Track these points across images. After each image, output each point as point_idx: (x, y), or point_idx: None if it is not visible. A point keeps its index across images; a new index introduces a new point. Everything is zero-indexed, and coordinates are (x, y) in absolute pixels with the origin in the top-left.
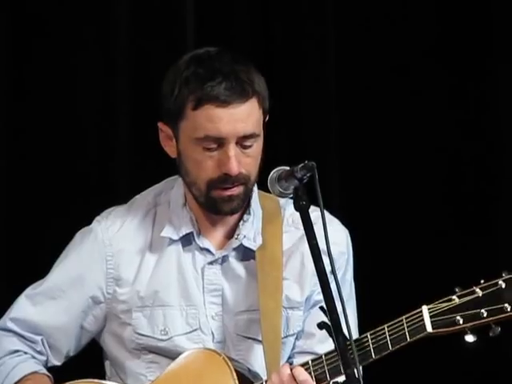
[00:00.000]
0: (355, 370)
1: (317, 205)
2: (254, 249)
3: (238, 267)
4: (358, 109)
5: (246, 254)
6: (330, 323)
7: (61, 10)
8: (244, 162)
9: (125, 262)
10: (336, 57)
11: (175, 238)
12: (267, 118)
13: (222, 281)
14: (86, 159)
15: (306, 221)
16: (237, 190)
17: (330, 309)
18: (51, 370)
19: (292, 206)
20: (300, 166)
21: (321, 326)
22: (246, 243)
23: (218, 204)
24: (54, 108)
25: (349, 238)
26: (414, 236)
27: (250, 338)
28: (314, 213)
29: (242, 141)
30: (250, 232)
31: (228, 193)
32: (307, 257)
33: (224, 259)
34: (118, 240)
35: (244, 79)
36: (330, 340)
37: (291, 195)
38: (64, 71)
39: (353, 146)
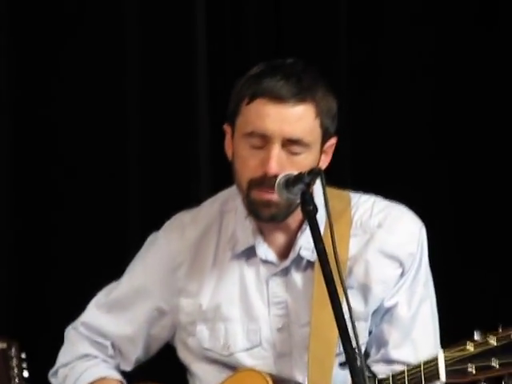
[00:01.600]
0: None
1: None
2: (312, 260)
3: (300, 278)
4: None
5: (307, 265)
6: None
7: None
8: (288, 168)
9: (189, 273)
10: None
11: (237, 251)
12: (331, 142)
13: (285, 293)
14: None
15: (312, 226)
16: (275, 197)
17: (337, 317)
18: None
19: (363, 206)
20: (307, 170)
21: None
22: (304, 254)
23: (256, 207)
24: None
25: (422, 233)
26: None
27: None
28: (380, 214)
29: (289, 145)
30: (309, 242)
31: (266, 196)
32: (372, 264)
33: (286, 271)
34: (183, 251)
35: (305, 84)
36: (406, 346)
37: (298, 200)
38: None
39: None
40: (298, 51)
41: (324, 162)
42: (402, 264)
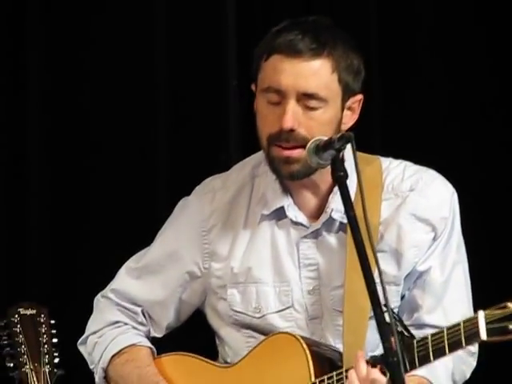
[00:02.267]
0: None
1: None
2: (345, 222)
3: (332, 241)
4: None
5: (339, 227)
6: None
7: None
8: (305, 123)
9: (220, 236)
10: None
11: (266, 212)
12: (356, 98)
13: (317, 255)
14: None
15: (343, 192)
16: (295, 153)
17: (367, 281)
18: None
19: (394, 171)
20: (338, 135)
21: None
22: (335, 216)
23: (277, 164)
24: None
25: (454, 197)
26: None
27: None
28: (412, 178)
29: (305, 99)
30: (341, 204)
31: (286, 153)
32: (404, 228)
33: (318, 233)
34: (214, 215)
35: (322, 40)
36: (438, 310)
37: (329, 165)
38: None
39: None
40: None
41: (350, 119)
42: (434, 228)
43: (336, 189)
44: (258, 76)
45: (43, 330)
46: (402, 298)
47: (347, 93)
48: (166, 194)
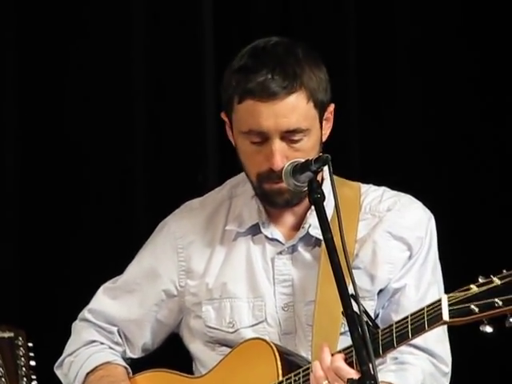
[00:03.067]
0: (371, 366)
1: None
2: (320, 237)
3: (308, 257)
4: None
5: (315, 243)
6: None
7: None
8: (292, 156)
9: (195, 254)
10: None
11: (241, 230)
12: (329, 109)
13: (292, 271)
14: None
15: (320, 214)
16: (285, 184)
17: (344, 304)
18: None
19: (373, 194)
20: (314, 158)
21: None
22: (312, 232)
23: (270, 197)
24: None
25: (431, 221)
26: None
27: None
28: (390, 200)
29: (288, 135)
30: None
31: (277, 185)
32: (379, 245)
33: (293, 248)
34: (190, 232)
35: (290, 72)
36: None
37: (305, 188)
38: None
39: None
40: None
41: (327, 129)
42: (410, 247)
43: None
44: (231, 113)
45: (21, 353)
46: (376, 316)
47: (322, 109)
48: (144, 218)
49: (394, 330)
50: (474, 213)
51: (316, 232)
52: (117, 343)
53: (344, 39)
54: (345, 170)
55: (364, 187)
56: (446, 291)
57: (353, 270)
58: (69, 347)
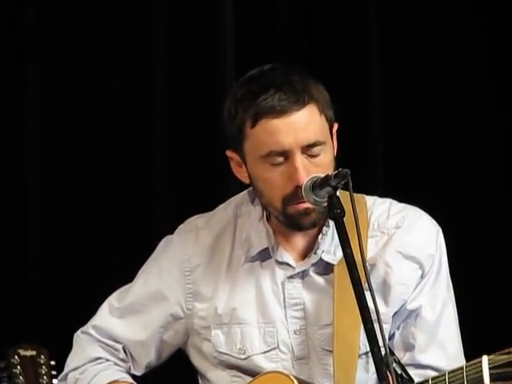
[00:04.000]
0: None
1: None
2: (335, 263)
3: (320, 280)
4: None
5: (326, 267)
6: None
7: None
8: (314, 171)
9: (203, 276)
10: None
11: (251, 254)
12: (335, 128)
13: (304, 294)
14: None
15: (340, 230)
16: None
17: (364, 319)
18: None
19: (379, 208)
20: (334, 173)
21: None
22: (326, 258)
23: (296, 220)
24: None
25: (440, 235)
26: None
27: None
28: (398, 215)
29: (307, 150)
30: (331, 245)
31: (304, 206)
32: (391, 266)
33: (305, 273)
34: (197, 255)
35: (298, 87)
36: (431, 349)
37: (325, 203)
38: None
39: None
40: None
41: (335, 148)
42: (421, 265)
43: (325, 229)
44: (242, 144)
45: (43, 372)
46: (391, 337)
47: (331, 127)
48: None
49: None
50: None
51: (329, 257)
52: (122, 360)
53: (367, 52)
54: (365, 185)
55: (369, 201)
56: (459, 305)
57: (365, 292)
58: (72, 361)
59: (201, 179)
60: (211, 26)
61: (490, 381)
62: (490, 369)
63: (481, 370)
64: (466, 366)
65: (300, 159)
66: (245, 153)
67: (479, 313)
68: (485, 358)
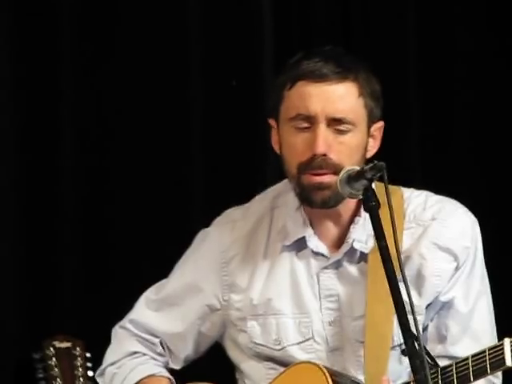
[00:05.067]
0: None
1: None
2: (366, 252)
3: (353, 271)
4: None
5: (360, 257)
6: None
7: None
8: (336, 148)
9: (239, 267)
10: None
11: (287, 243)
12: (378, 124)
13: (338, 285)
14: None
15: (375, 222)
16: (326, 179)
17: (398, 312)
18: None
19: (416, 200)
20: (369, 166)
21: (404, 352)
22: (357, 246)
23: (308, 192)
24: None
25: (476, 227)
26: None
27: None
28: (434, 207)
29: (334, 124)
30: (362, 235)
31: (317, 179)
32: (425, 257)
33: (338, 263)
34: (233, 245)
35: (345, 64)
36: (464, 341)
37: (361, 196)
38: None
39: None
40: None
41: (373, 147)
42: (456, 257)
43: (357, 219)
44: (279, 108)
45: (78, 363)
46: (424, 329)
47: (371, 119)
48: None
49: (455, 371)
50: None
51: (360, 245)
52: (160, 354)
53: (405, 50)
54: (401, 178)
55: (406, 192)
56: (494, 297)
57: (399, 284)
58: (110, 356)
59: (236, 171)
60: (248, 15)
61: None
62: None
63: (503, 353)
64: (489, 349)
65: (323, 129)
66: (280, 117)
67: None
68: (507, 341)
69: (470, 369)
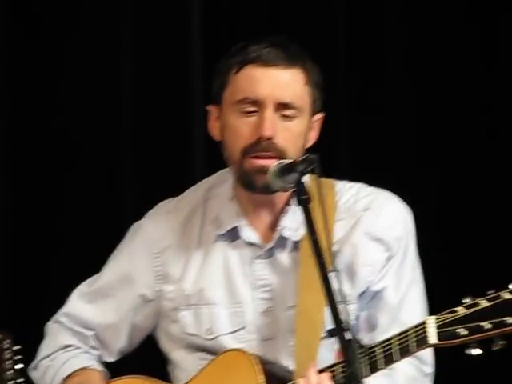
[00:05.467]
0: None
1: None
2: (295, 239)
3: (286, 260)
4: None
5: (293, 246)
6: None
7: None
8: (281, 134)
9: (172, 258)
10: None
11: (221, 233)
12: (318, 116)
13: (271, 275)
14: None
15: (306, 216)
16: (270, 162)
17: (330, 306)
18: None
19: (349, 192)
20: (301, 158)
21: (331, 333)
22: (286, 234)
23: (251, 176)
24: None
25: (409, 218)
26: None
27: None
28: (367, 198)
29: (281, 109)
30: (293, 223)
31: (260, 162)
32: (358, 247)
33: (271, 253)
34: (166, 236)
35: (293, 51)
36: (392, 331)
37: (293, 189)
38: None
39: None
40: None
41: (311, 138)
42: (388, 247)
43: (288, 208)
44: (223, 92)
45: (7, 357)
46: (357, 319)
47: (313, 109)
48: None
49: (382, 351)
50: (461, 211)
51: (290, 234)
52: (93, 347)
53: (334, 38)
54: (333, 171)
55: (338, 185)
56: (428, 289)
57: (332, 273)
58: (44, 350)
59: (167, 167)
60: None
61: (438, 340)
62: (436, 328)
63: (427, 330)
64: (414, 327)
65: (270, 113)
66: (223, 102)
67: (445, 296)
68: (431, 318)
69: (397, 347)
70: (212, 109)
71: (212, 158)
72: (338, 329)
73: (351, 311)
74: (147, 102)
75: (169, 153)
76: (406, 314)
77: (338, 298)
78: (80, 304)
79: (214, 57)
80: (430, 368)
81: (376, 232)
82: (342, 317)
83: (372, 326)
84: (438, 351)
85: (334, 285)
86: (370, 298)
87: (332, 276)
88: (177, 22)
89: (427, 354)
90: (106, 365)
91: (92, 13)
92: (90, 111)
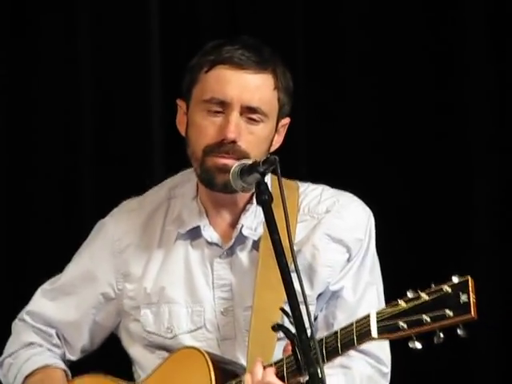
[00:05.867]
0: (319, 369)
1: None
2: (255, 238)
3: (245, 260)
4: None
5: (253, 245)
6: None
7: None
8: (245, 137)
9: (134, 256)
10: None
11: (182, 231)
12: (285, 121)
13: (230, 275)
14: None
15: (267, 216)
16: (231, 162)
17: (291, 306)
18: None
19: (311, 194)
20: (262, 159)
21: (275, 328)
22: (245, 232)
23: (211, 174)
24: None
25: (370, 220)
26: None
27: None
28: (329, 200)
29: (247, 113)
30: (253, 222)
31: (222, 160)
32: (318, 248)
33: (231, 252)
34: (128, 235)
35: (265, 56)
36: None
37: (253, 190)
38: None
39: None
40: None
41: (277, 142)
42: (349, 249)
43: (249, 206)
44: (192, 89)
45: None
46: (315, 318)
47: (281, 114)
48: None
49: (324, 345)
50: (421, 212)
51: (249, 232)
52: (55, 345)
53: (293, 41)
54: (292, 172)
55: (302, 187)
56: (388, 289)
57: (292, 274)
58: (8, 348)
59: (127, 169)
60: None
61: (378, 334)
62: (377, 322)
63: (369, 324)
64: (356, 322)
65: (236, 116)
66: (191, 98)
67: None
68: (373, 313)
69: (339, 343)
70: (181, 103)
71: (171, 159)
72: (297, 328)
73: (311, 312)
74: (107, 101)
75: (129, 153)
76: (364, 313)
77: (298, 297)
78: (42, 302)
79: (172, 61)
80: (386, 368)
81: (336, 233)
82: (303, 319)
83: (329, 325)
84: (396, 351)
85: (295, 284)
86: (328, 298)
87: (292, 276)
88: (136, 24)
89: (384, 354)
90: (75, 364)
91: (50, 28)
92: (50, 117)
